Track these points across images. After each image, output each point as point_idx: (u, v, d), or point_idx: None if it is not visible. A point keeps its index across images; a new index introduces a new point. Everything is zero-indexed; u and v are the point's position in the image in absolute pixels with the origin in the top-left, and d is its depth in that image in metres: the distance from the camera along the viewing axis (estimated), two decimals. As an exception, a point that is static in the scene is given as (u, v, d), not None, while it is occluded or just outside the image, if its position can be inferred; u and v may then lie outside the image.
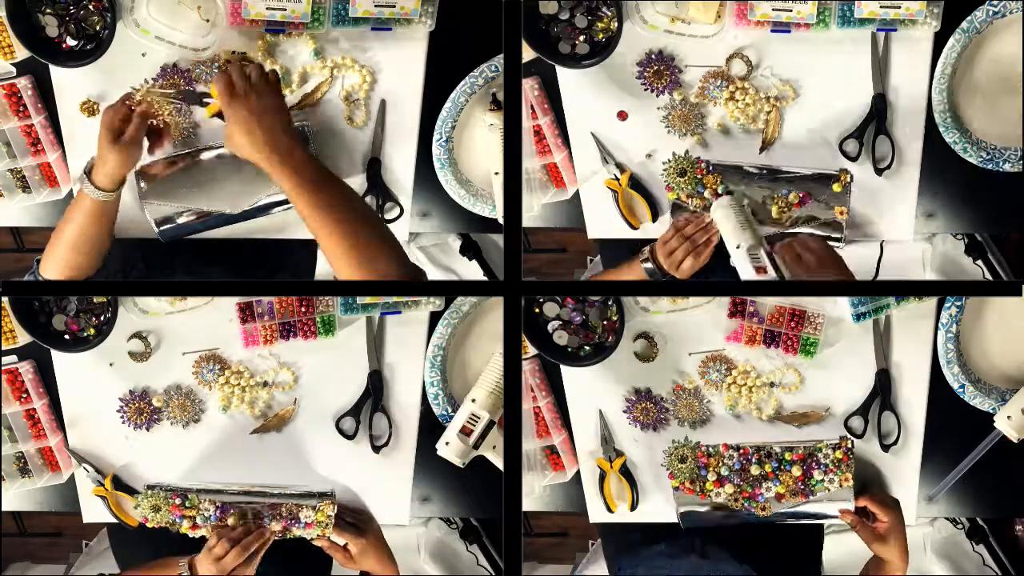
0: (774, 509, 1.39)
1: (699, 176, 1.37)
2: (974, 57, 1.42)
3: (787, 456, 1.38)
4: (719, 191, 1.37)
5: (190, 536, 1.38)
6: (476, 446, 1.40)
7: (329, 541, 1.41)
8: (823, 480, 1.38)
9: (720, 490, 1.39)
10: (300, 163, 1.24)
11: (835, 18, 1.39)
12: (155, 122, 1.33)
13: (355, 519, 1.43)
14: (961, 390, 1.43)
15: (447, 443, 1.40)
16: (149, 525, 1.38)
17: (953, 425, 1.44)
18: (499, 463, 1.41)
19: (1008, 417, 1.40)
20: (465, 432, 1.40)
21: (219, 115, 1.26)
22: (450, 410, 1.44)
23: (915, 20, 1.39)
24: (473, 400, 1.41)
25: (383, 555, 1.43)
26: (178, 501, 1.36)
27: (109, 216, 1.33)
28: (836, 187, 1.37)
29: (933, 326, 1.43)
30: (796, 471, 1.38)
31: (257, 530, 1.37)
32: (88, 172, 1.30)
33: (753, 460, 1.38)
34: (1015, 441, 1.40)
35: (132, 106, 1.30)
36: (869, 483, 1.44)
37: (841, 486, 1.38)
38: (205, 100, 1.29)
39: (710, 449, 1.39)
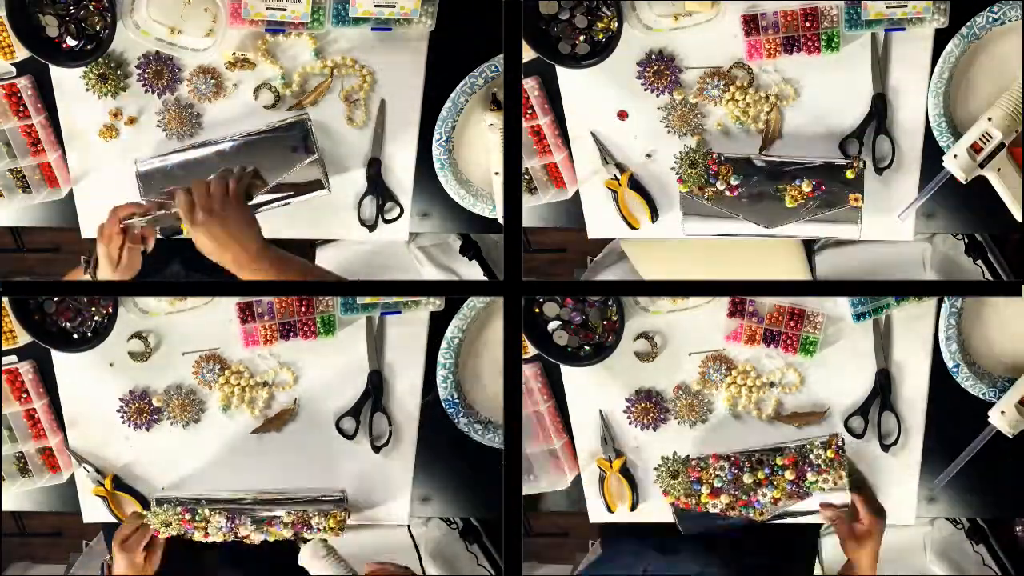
0: (771, 512, 1.39)
1: (711, 167, 1.37)
2: (972, 63, 1.42)
3: (778, 461, 1.37)
4: (731, 182, 1.36)
5: (199, 543, 1.37)
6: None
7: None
8: (816, 480, 1.37)
9: (716, 501, 1.38)
10: (270, 261, 1.30)
11: (842, 22, 1.39)
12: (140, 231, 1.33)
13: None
14: (955, 370, 1.42)
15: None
16: (160, 537, 1.37)
17: (953, 425, 1.44)
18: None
19: (1002, 412, 1.40)
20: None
21: None
22: (455, 396, 1.44)
23: (922, 18, 1.39)
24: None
25: None
26: (188, 516, 1.35)
27: None
28: (849, 174, 1.36)
29: (933, 326, 1.43)
30: (789, 474, 1.37)
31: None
32: (90, 264, 1.33)
33: (745, 468, 1.37)
34: (1009, 436, 1.40)
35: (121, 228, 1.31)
36: (863, 486, 1.43)
37: (835, 484, 1.37)
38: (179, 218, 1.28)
39: (700, 463, 1.38)
